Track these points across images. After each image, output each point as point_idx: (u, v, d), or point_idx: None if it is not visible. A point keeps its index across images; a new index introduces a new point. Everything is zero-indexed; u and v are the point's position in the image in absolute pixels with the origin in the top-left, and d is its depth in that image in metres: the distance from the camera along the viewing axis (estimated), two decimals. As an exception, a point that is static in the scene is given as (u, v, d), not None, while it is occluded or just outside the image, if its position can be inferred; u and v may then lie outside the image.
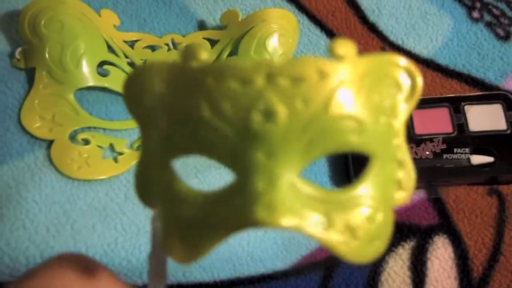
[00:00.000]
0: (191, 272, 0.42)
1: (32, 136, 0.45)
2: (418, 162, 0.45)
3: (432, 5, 0.54)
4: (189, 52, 0.20)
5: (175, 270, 0.42)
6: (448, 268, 0.44)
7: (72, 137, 0.45)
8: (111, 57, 0.47)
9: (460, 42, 0.53)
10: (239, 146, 0.19)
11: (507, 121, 0.46)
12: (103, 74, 0.47)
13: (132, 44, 0.49)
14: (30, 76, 0.46)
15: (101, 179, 0.44)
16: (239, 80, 0.19)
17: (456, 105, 0.47)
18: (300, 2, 0.54)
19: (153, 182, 0.21)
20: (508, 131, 0.46)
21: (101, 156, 0.45)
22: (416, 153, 0.45)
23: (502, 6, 0.54)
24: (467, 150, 0.45)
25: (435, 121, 0.47)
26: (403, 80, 0.22)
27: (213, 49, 0.49)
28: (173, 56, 0.49)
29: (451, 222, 0.45)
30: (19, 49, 0.46)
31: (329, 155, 0.41)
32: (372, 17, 0.54)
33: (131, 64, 0.48)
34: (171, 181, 0.21)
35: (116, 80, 0.47)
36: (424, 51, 0.52)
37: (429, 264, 0.44)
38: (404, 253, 0.44)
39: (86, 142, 0.45)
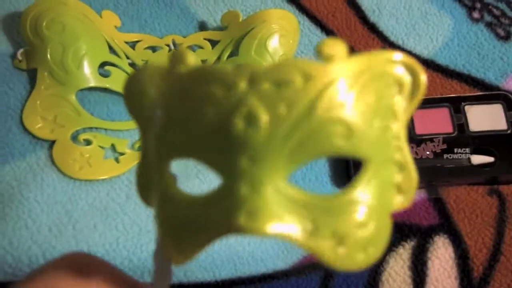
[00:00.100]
0: (192, 272, 0.42)
1: (34, 136, 0.45)
2: (419, 162, 0.45)
3: (433, 6, 0.54)
4: (176, 57, 0.20)
5: (177, 269, 0.42)
6: (448, 268, 0.44)
7: (74, 138, 0.45)
8: (112, 58, 0.48)
9: (460, 42, 0.53)
10: (224, 151, 0.19)
11: (507, 121, 0.46)
12: (105, 75, 0.47)
13: (133, 45, 0.49)
14: (32, 77, 0.46)
15: (103, 179, 0.45)
16: (222, 85, 0.18)
17: (456, 105, 0.47)
18: (301, 2, 0.54)
19: (151, 183, 0.22)
20: (509, 131, 0.46)
21: (103, 156, 0.45)
22: (416, 153, 0.45)
23: (503, 6, 0.54)
24: (467, 150, 0.45)
25: (435, 121, 0.47)
26: (404, 78, 0.21)
27: (214, 49, 0.49)
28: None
29: (451, 222, 0.45)
30: (21, 50, 0.47)
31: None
32: (372, 18, 0.54)
33: (132, 64, 0.48)
34: (165, 182, 0.21)
35: (117, 81, 0.47)
36: (424, 51, 0.52)
37: (429, 264, 0.44)
38: (404, 253, 0.44)
39: (88, 142, 0.45)
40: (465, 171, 0.45)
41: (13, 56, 0.48)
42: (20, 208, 0.42)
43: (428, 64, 0.52)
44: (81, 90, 0.46)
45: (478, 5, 0.54)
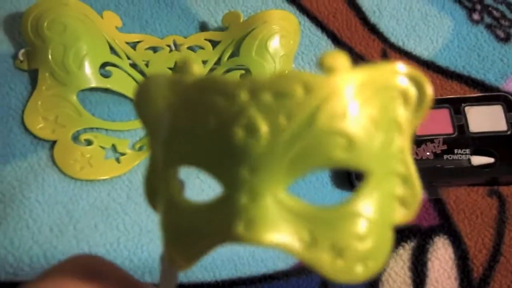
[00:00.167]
0: (192, 272, 0.42)
1: (35, 136, 0.45)
2: (419, 162, 0.45)
3: (433, 7, 0.54)
4: (182, 67, 0.20)
5: (177, 270, 0.42)
6: (448, 269, 0.44)
7: (75, 138, 0.45)
8: (113, 59, 0.48)
9: (460, 44, 0.53)
10: (225, 161, 0.19)
11: (507, 122, 0.47)
12: (106, 75, 0.47)
13: (134, 45, 0.49)
14: (33, 78, 0.46)
15: (104, 179, 0.45)
16: (223, 95, 0.19)
17: (456, 106, 0.47)
18: (301, 3, 0.54)
19: (157, 189, 0.22)
20: (509, 132, 0.46)
21: (104, 157, 0.45)
22: (416, 153, 0.46)
23: (503, 8, 0.54)
24: (467, 151, 0.46)
25: (435, 122, 0.47)
26: (409, 90, 0.20)
27: (215, 50, 0.50)
28: (175, 57, 0.49)
29: (451, 223, 0.45)
30: (22, 51, 0.47)
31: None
32: (373, 19, 0.54)
33: (133, 65, 0.48)
34: (170, 190, 0.21)
35: (118, 81, 0.47)
36: (424, 53, 0.52)
37: (429, 264, 0.44)
38: (404, 253, 0.44)
39: (89, 142, 0.45)
40: (465, 172, 0.45)
41: (14, 57, 0.48)
42: (21, 208, 0.42)
43: (428, 65, 0.52)
44: (82, 90, 0.46)
45: (478, 7, 0.54)
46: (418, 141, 0.46)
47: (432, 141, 0.46)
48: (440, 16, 0.54)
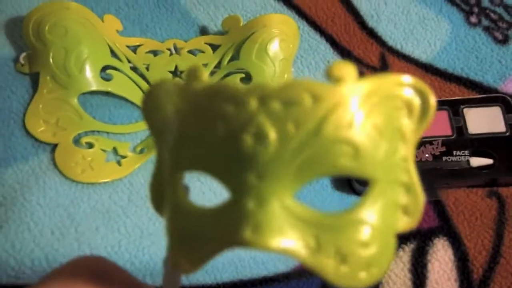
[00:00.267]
0: (193, 275, 0.42)
1: (36, 140, 0.45)
2: (418, 164, 0.45)
3: (430, 11, 0.55)
4: (192, 73, 0.20)
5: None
6: (448, 270, 0.44)
7: (76, 141, 0.46)
8: (114, 62, 0.48)
9: (458, 46, 0.53)
10: (233, 167, 0.19)
11: (506, 123, 0.47)
12: (106, 79, 0.47)
13: (134, 49, 0.50)
14: (34, 81, 0.47)
15: (105, 182, 0.45)
16: (233, 102, 0.19)
17: (455, 108, 0.48)
18: (301, 8, 0.54)
19: (164, 194, 0.22)
20: (507, 134, 0.46)
21: (105, 160, 0.45)
22: (416, 155, 0.46)
23: (500, 10, 0.55)
24: (466, 152, 0.46)
25: (434, 123, 0.46)
26: (413, 100, 0.21)
27: (215, 54, 0.50)
28: (175, 60, 0.49)
29: (451, 225, 0.46)
30: (24, 54, 0.47)
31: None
32: (371, 23, 0.54)
33: (133, 68, 0.49)
34: (177, 195, 0.21)
35: (119, 85, 0.47)
36: (422, 56, 0.53)
37: (429, 266, 0.44)
38: (404, 255, 0.44)
39: (90, 145, 0.46)
40: (464, 173, 0.45)
41: (16, 60, 0.48)
42: (23, 211, 0.43)
43: (427, 68, 0.52)
44: (83, 93, 0.46)
45: (476, 10, 0.55)
46: (417, 143, 0.46)
47: (431, 143, 0.46)
48: (437, 19, 0.54)
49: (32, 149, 0.45)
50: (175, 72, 0.49)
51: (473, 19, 0.54)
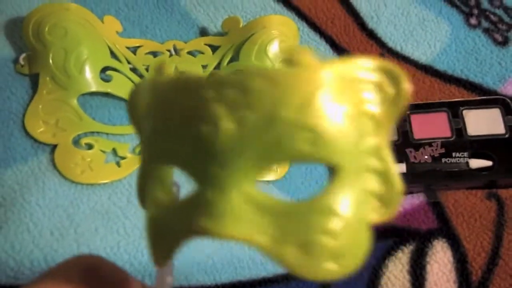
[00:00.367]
0: (193, 275, 0.43)
1: (35, 140, 0.45)
2: (417, 166, 0.46)
3: (430, 12, 0.55)
4: (158, 69, 0.21)
5: (178, 273, 0.42)
6: (447, 272, 0.44)
7: (76, 142, 0.46)
8: (114, 63, 0.48)
9: (458, 48, 0.53)
10: (195, 158, 0.19)
11: (505, 125, 0.47)
12: (106, 80, 0.47)
13: (134, 50, 0.50)
14: (34, 82, 0.47)
15: (104, 183, 0.45)
16: (190, 93, 0.19)
17: (454, 110, 0.48)
18: (300, 9, 0.54)
19: (145, 187, 0.22)
20: (507, 135, 0.46)
21: (104, 161, 0.45)
22: (415, 157, 0.46)
23: (500, 12, 0.55)
24: (465, 154, 0.46)
25: (433, 125, 0.47)
26: (384, 84, 0.20)
27: (214, 55, 0.50)
28: (175, 61, 0.49)
29: (450, 226, 0.46)
30: (23, 55, 0.47)
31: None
32: (371, 24, 0.54)
33: (133, 69, 0.49)
34: (151, 188, 0.21)
35: (118, 86, 0.47)
36: (422, 57, 0.53)
37: (428, 268, 0.44)
38: (403, 257, 0.44)
39: (89, 146, 0.46)
40: (464, 175, 0.45)
41: (16, 61, 0.48)
42: (22, 212, 0.43)
43: (427, 69, 0.52)
44: (83, 94, 0.46)
45: (476, 12, 0.55)
46: (417, 145, 0.46)
47: (430, 144, 0.46)
48: (437, 21, 0.54)
49: (32, 150, 0.45)
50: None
51: (473, 20, 0.54)
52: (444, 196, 0.47)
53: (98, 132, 0.47)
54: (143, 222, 0.45)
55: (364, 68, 0.20)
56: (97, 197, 0.44)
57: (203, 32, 0.52)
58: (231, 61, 0.50)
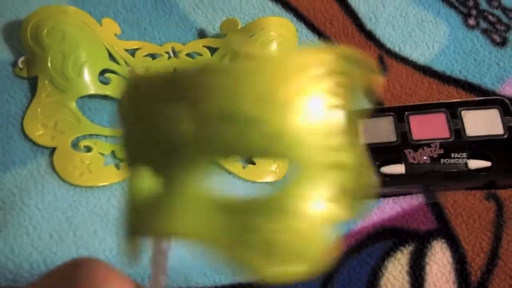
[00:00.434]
0: (192, 277, 0.43)
1: (34, 143, 0.45)
2: (416, 167, 0.46)
3: (428, 13, 0.55)
4: (131, 73, 0.21)
5: (177, 275, 0.42)
6: (446, 273, 0.44)
7: (74, 145, 0.46)
8: (112, 65, 0.48)
9: (456, 49, 0.53)
10: (162, 158, 0.19)
11: (504, 126, 0.47)
12: (105, 82, 0.47)
13: (133, 52, 0.50)
14: (33, 85, 0.47)
15: (103, 186, 0.45)
16: (155, 95, 0.19)
17: (453, 111, 0.48)
18: (299, 10, 0.54)
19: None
20: (505, 136, 0.46)
21: (103, 163, 0.45)
22: (413, 158, 0.46)
23: (498, 13, 0.55)
24: (464, 155, 0.46)
25: (432, 126, 0.47)
26: (346, 71, 0.19)
27: (213, 56, 0.50)
28: (174, 64, 0.49)
29: (449, 227, 0.46)
30: (22, 58, 0.47)
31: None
32: (369, 25, 0.54)
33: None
34: (128, 187, 0.21)
35: (117, 88, 0.47)
36: (421, 58, 0.53)
37: (427, 268, 0.44)
38: (402, 257, 0.44)
39: (88, 149, 0.46)
40: (462, 175, 0.45)
41: (14, 64, 0.48)
42: (21, 215, 0.43)
43: (425, 70, 0.52)
44: (82, 97, 0.46)
45: (474, 12, 0.55)
46: (415, 146, 0.46)
47: (429, 145, 0.46)
48: (435, 21, 0.55)
49: (31, 153, 0.45)
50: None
51: (471, 21, 0.54)
52: (443, 196, 0.47)
53: (96, 135, 0.47)
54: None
55: (323, 58, 0.19)
56: (96, 199, 0.44)
57: (202, 34, 0.52)
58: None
